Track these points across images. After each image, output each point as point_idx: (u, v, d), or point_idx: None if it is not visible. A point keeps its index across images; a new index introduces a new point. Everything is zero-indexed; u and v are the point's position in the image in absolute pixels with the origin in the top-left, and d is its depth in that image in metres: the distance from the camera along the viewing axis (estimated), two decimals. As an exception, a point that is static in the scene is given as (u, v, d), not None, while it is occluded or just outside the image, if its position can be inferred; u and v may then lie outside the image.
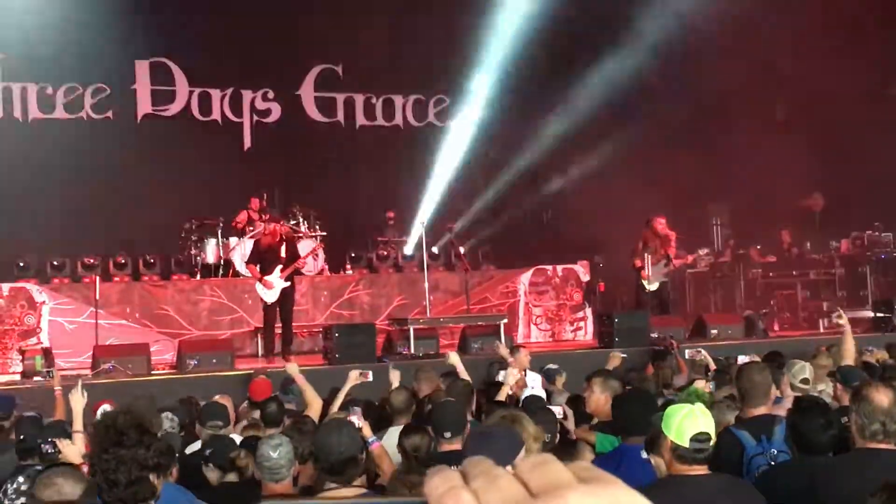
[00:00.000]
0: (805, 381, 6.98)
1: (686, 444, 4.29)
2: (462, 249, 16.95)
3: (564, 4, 19.04)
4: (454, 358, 9.19)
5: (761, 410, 5.86)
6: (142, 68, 18.78)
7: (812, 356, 8.01)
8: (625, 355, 10.91)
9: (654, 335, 13.78)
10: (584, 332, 17.39)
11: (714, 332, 14.84)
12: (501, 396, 7.87)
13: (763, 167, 19.23)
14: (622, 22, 19.77)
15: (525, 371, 9.60)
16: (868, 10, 19.64)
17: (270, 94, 19.69)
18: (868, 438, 4.63)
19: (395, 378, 8.06)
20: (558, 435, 6.37)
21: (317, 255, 16.38)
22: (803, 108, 19.65)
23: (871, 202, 18.66)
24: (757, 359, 8.00)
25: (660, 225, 15.89)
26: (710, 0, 18.95)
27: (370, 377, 8.09)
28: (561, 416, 6.72)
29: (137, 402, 7.49)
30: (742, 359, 8.15)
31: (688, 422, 4.32)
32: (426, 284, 15.41)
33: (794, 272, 18.71)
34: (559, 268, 17.74)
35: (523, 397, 7.92)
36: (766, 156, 19.38)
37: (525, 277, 17.56)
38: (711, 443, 4.31)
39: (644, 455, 4.85)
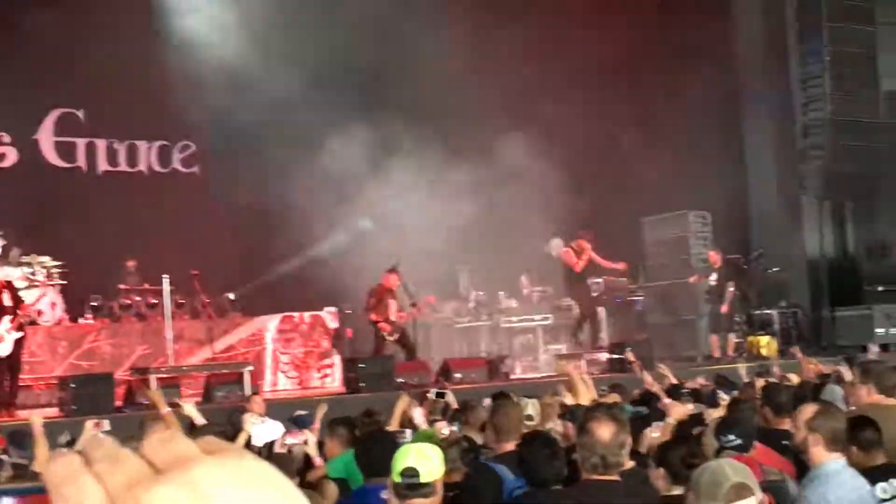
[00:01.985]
0: (529, 417, 7.20)
1: (398, 479, 4.46)
2: (206, 298, 16.68)
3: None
4: (189, 408, 9.08)
5: (512, 446, 6.00)
6: None
7: (540, 396, 8.24)
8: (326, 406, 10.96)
9: (400, 380, 13.94)
10: (333, 378, 17.37)
11: (458, 375, 15.12)
12: (241, 439, 7.79)
13: (503, 213, 19.80)
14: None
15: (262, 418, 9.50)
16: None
17: (6, 139, 18.87)
18: (589, 470, 4.80)
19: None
20: (297, 477, 6.38)
21: (54, 304, 15.76)
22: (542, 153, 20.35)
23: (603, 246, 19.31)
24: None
25: (390, 281, 16.16)
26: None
27: (106, 426, 7.90)
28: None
29: None
30: (486, 401, 8.38)
31: (399, 459, 4.51)
32: (170, 333, 15.07)
33: (535, 317, 19.29)
34: (307, 315, 17.69)
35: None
36: (501, 200, 19.97)
37: (272, 325, 17.42)
38: (420, 479, 4.43)
39: (384, 495, 4.92)
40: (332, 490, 6.04)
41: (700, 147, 19.76)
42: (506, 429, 6.10)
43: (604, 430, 4.78)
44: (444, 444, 6.50)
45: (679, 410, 7.76)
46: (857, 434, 5.60)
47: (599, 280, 19.18)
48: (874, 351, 14.44)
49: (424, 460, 4.49)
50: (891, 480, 5.44)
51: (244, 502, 0.91)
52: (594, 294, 18.56)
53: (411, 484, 4.44)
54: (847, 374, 7.90)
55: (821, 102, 19.40)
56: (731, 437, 5.86)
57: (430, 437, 6.93)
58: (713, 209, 19.60)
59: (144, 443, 0.95)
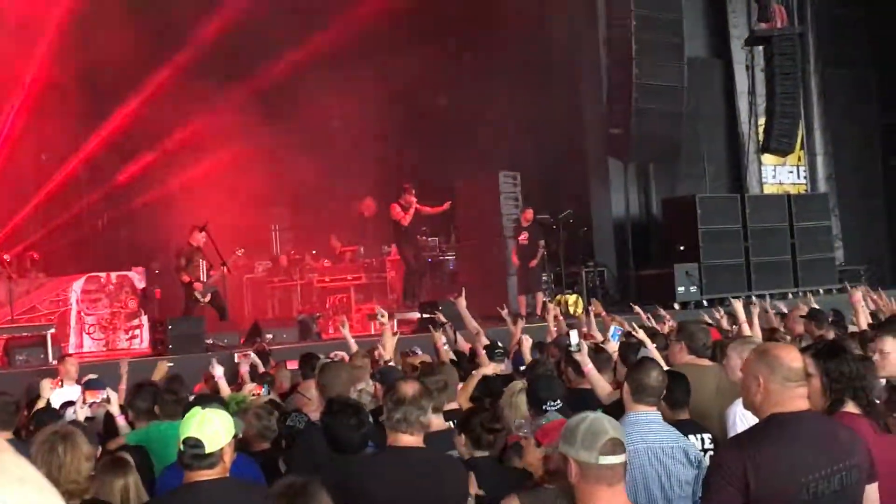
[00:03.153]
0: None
1: (182, 449, 4.36)
2: (6, 256, 16.07)
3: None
4: None
5: None
6: None
7: (350, 357, 8.25)
8: (171, 364, 10.75)
9: (209, 341, 13.75)
10: (141, 340, 17.00)
11: (269, 336, 15.00)
12: (41, 404, 7.59)
13: (320, 172, 19.70)
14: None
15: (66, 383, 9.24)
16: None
17: None
18: (393, 427, 4.86)
19: None
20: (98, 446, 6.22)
21: None
22: (354, 115, 20.33)
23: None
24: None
25: (199, 240, 15.78)
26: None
27: None
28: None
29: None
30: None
31: (183, 427, 4.41)
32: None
33: (347, 276, 19.30)
34: (113, 275, 17.22)
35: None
36: (322, 161, 19.87)
37: (77, 285, 16.90)
38: (205, 449, 4.33)
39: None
40: (132, 474, 5.90)
41: (512, 108, 20.03)
42: (335, 387, 6.11)
43: (407, 389, 4.85)
44: (263, 411, 6.48)
45: (488, 369, 7.89)
46: (668, 391, 5.83)
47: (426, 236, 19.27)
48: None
49: (209, 428, 4.37)
50: (698, 434, 5.69)
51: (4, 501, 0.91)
52: (419, 252, 18.55)
53: (196, 454, 4.34)
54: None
55: (626, 66, 19.86)
56: (557, 402, 5.96)
57: (239, 403, 6.88)
58: (523, 169, 19.91)
59: None
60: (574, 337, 6.84)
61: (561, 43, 20.74)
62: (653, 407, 5.35)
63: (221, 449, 4.38)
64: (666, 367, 6.14)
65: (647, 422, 5.29)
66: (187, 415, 4.49)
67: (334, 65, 19.90)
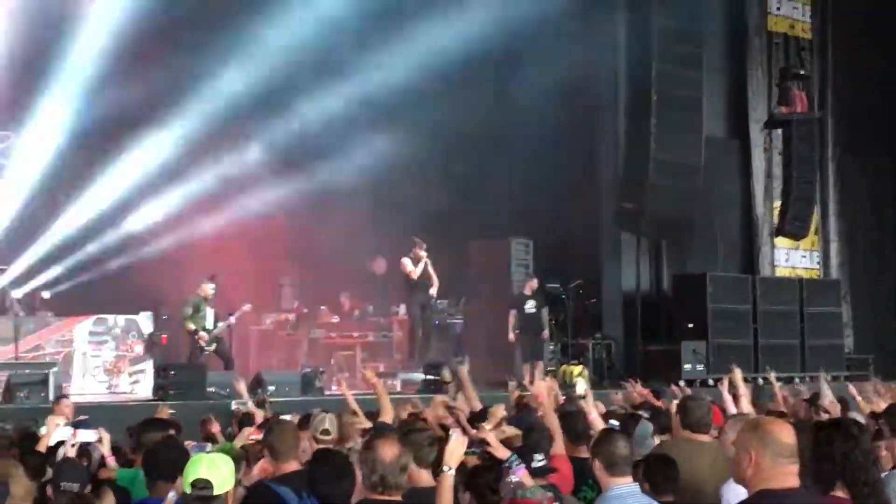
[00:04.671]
0: (326, 431, 7.15)
1: (189, 490, 4.39)
2: (15, 295, 16.16)
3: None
4: None
5: (294, 467, 5.93)
6: None
7: (338, 413, 8.13)
8: (172, 411, 10.74)
9: (211, 390, 13.76)
10: (143, 385, 16.96)
11: (272, 388, 14.95)
12: (41, 447, 7.55)
13: (332, 229, 19.78)
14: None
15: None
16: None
17: None
18: (369, 489, 4.84)
19: None
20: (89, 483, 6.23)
21: None
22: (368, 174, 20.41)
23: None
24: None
25: (205, 290, 15.95)
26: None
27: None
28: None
29: None
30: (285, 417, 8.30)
31: (191, 469, 4.42)
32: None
33: (354, 334, 19.26)
34: (121, 318, 17.25)
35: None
36: (334, 217, 19.97)
37: (84, 326, 16.92)
38: (213, 491, 4.36)
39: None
40: (109, 497, 5.92)
41: (528, 174, 20.07)
42: (282, 450, 6.00)
43: (387, 450, 4.82)
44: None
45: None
46: (653, 475, 5.81)
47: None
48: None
49: (216, 471, 4.42)
50: None
51: None
52: (427, 307, 18.46)
53: (202, 496, 4.36)
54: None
55: (644, 141, 19.93)
56: (540, 456, 5.94)
57: (228, 451, 6.85)
58: (535, 235, 19.93)
59: None
60: (581, 385, 6.86)
61: (581, 113, 20.83)
62: (629, 477, 5.33)
63: (227, 493, 4.43)
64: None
65: (631, 493, 5.26)
66: (193, 458, 4.56)
67: (349, 121, 20.06)
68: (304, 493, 5.46)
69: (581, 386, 6.33)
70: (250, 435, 7.77)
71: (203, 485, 4.35)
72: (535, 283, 18.29)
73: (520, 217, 20.44)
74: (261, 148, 20.63)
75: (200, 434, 9.27)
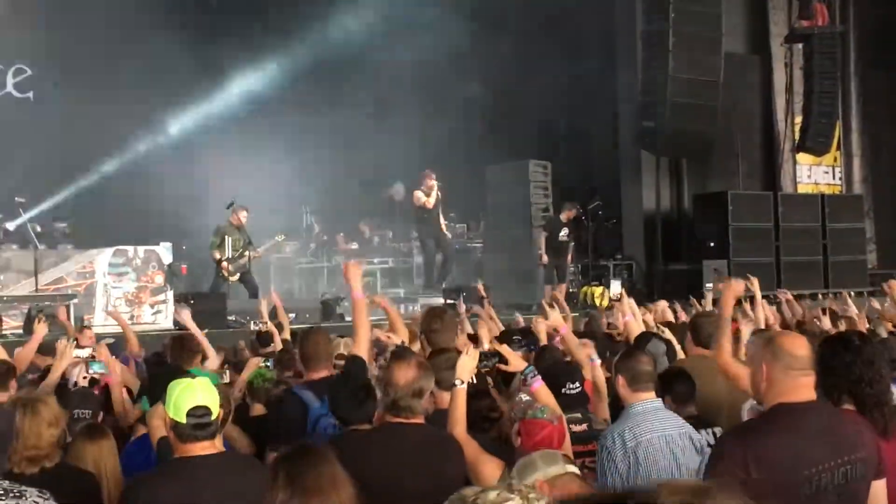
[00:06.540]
0: (341, 356, 7.15)
1: (184, 420, 4.09)
2: (38, 227, 16.19)
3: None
4: None
5: (323, 374, 6.04)
6: None
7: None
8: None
9: (232, 318, 13.82)
10: (165, 315, 17.02)
11: (293, 315, 14.97)
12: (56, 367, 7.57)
13: (353, 156, 19.73)
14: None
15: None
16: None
17: None
18: (383, 410, 4.83)
19: None
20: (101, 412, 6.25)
21: None
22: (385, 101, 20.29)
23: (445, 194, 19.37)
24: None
25: (238, 217, 15.96)
26: None
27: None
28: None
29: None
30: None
31: (184, 397, 4.12)
32: (-7, 262, 14.58)
33: (374, 260, 19.26)
34: (141, 249, 17.24)
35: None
36: (356, 144, 19.91)
37: (104, 258, 16.93)
38: (213, 417, 4.13)
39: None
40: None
41: (543, 97, 19.89)
42: (314, 357, 6.06)
43: (401, 374, 4.76)
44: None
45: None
46: (671, 386, 5.76)
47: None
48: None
49: (210, 395, 4.15)
50: (701, 431, 5.58)
51: None
52: (446, 234, 18.42)
53: (201, 424, 4.09)
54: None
55: (662, 59, 19.65)
56: (576, 384, 5.91)
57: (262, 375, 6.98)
58: (554, 158, 19.79)
59: None
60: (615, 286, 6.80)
61: (598, 33, 20.58)
62: (652, 392, 5.27)
63: (219, 416, 4.18)
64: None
65: (655, 409, 5.20)
66: (182, 385, 4.16)
67: (368, 45, 19.90)
68: (325, 399, 5.51)
69: (616, 288, 6.24)
70: (256, 365, 7.75)
71: (203, 412, 4.08)
72: (573, 212, 18.06)
73: (539, 139, 20.29)
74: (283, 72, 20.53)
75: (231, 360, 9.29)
